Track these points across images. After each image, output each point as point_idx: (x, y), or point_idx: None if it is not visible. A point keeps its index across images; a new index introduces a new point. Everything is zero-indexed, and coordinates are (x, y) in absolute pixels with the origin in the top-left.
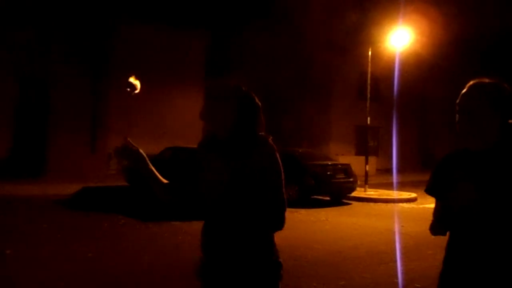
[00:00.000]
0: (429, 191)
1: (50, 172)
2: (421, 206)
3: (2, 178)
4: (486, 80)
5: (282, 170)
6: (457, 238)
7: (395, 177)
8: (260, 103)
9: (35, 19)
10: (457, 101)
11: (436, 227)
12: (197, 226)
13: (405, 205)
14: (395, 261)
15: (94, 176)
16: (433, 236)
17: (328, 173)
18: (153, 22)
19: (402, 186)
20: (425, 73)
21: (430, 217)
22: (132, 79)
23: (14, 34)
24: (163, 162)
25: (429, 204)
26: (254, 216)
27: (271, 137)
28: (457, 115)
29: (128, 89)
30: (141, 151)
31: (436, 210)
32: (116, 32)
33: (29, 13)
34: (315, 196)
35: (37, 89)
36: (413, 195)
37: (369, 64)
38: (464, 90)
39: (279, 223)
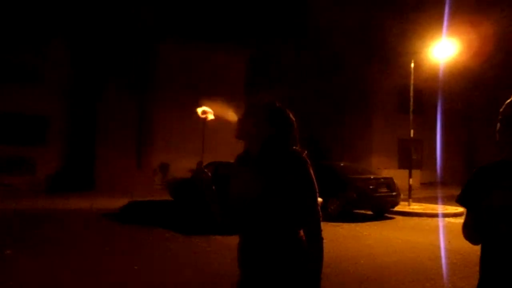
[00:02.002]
0: (460, 201)
1: (98, 186)
2: None
3: (53, 192)
4: None
5: (315, 183)
6: (490, 249)
7: (440, 191)
8: (293, 119)
9: (83, 40)
10: (501, 109)
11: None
12: None
13: (451, 219)
14: (442, 278)
15: (140, 190)
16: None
17: (371, 187)
18: (194, 41)
19: (447, 200)
20: (470, 84)
21: None
22: (205, 107)
23: (63, 55)
24: None
25: None
26: (288, 228)
27: (305, 152)
28: (498, 124)
29: (204, 116)
30: (210, 176)
31: (466, 221)
32: (158, 52)
33: (77, 34)
34: (357, 211)
35: (86, 107)
36: (460, 209)
37: (412, 76)
38: (510, 100)
39: (316, 234)
